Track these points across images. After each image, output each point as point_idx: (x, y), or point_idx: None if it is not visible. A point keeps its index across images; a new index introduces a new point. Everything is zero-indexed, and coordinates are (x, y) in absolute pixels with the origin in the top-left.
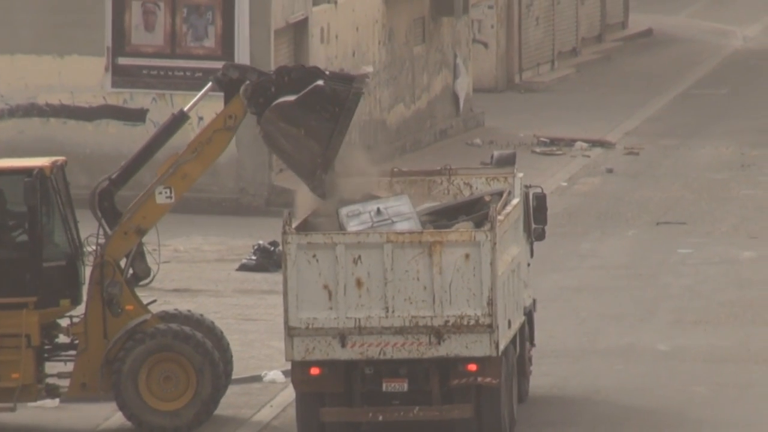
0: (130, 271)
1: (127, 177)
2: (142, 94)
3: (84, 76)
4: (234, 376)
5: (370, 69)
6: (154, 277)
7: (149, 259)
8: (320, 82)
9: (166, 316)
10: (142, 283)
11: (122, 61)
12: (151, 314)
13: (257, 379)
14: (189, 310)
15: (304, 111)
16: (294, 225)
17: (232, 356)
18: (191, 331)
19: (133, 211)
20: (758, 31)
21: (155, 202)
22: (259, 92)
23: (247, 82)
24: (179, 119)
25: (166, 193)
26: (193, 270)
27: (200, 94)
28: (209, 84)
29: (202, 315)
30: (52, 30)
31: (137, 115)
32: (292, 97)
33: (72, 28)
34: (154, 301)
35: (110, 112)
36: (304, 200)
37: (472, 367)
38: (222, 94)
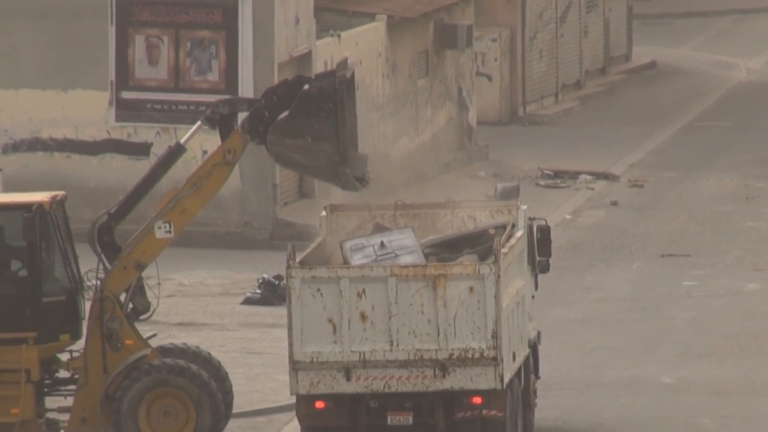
0: (130, 305)
1: (126, 211)
2: (146, 128)
3: (88, 111)
4: (239, 410)
5: (347, 55)
6: (153, 311)
7: (149, 293)
8: (306, 87)
9: (162, 351)
10: (141, 317)
11: (126, 95)
12: (150, 348)
13: (262, 412)
14: (185, 343)
15: (302, 119)
16: (298, 259)
17: (231, 386)
18: (186, 364)
19: (132, 246)
20: (761, 63)
21: (154, 237)
22: (256, 122)
23: (243, 117)
24: (176, 152)
25: (165, 227)
26: (198, 304)
27: (191, 131)
28: (198, 123)
29: (198, 347)
30: (56, 64)
31: (141, 149)
32: (286, 113)
33: (76, 63)
34: (155, 335)
35: (114, 146)
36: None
37: (477, 400)
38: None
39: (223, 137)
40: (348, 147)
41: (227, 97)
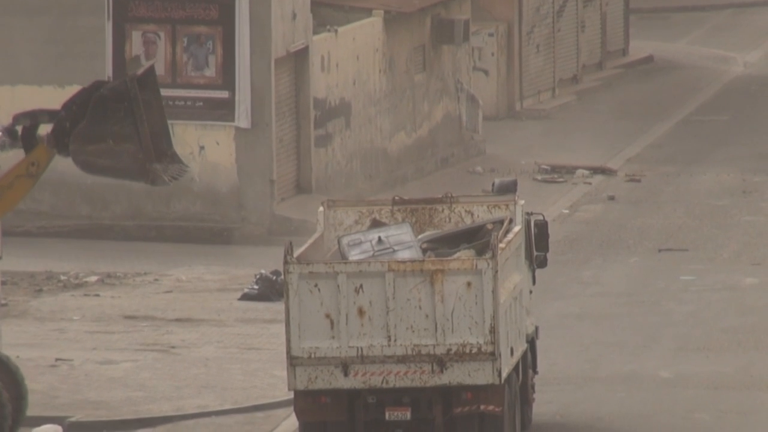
0: None
1: None
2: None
3: None
4: (236, 406)
5: (139, 53)
6: None
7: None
8: (100, 91)
9: None
10: None
11: None
12: None
13: (260, 408)
14: None
15: (100, 123)
16: (296, 254)
17: (27, 390)
18: None
19: None
20: (759, 57)
21: None
22: (59, 135)
23: (47, 133)
24: None
25: None
26: (196, 300)
27: None
28: None
29: None
30: (53, 60)
31: None
32: (84, 120)
33: (73, 59)
34: None
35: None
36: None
37: (475, 395)
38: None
39: (26, 149)
40: (150, 143)
41: (28, 110)
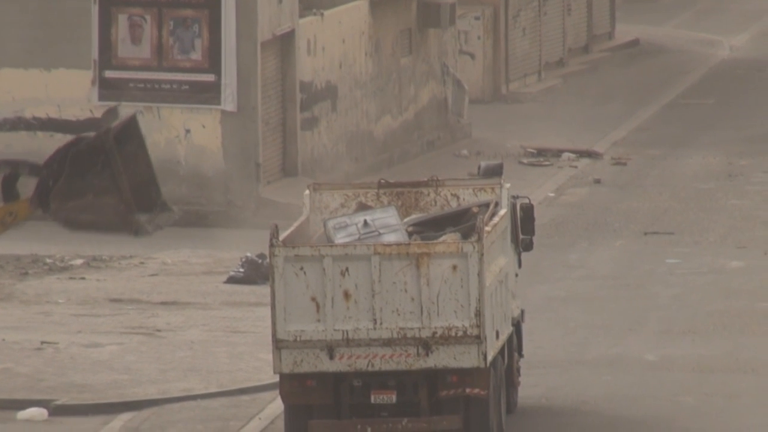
0: None
1: None
2: (129, 106)
3: (71, 90)
4: (222, 389)
5: (116, 104)
6: None
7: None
8: (77, 147)
9: None
10: None
11: (109, 74)
12: None
13: (246, 391)
14: None
15: (79, 179)
16: (281, 237)
17: None
18: None
19: None
20: (745, 40)
21: None
22: (44, 195)
23: (32, 194)
24: None
25: None
26: (181, 283)
27: None
28: None
29: None
30: (39, 44)
31: None
32: (63, 177)
33: (59, 42)
34: None
35: (97, 125)
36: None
37: (461, 378)
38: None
39: (5, 198)
40: (131, 193)
41: (11, 159)
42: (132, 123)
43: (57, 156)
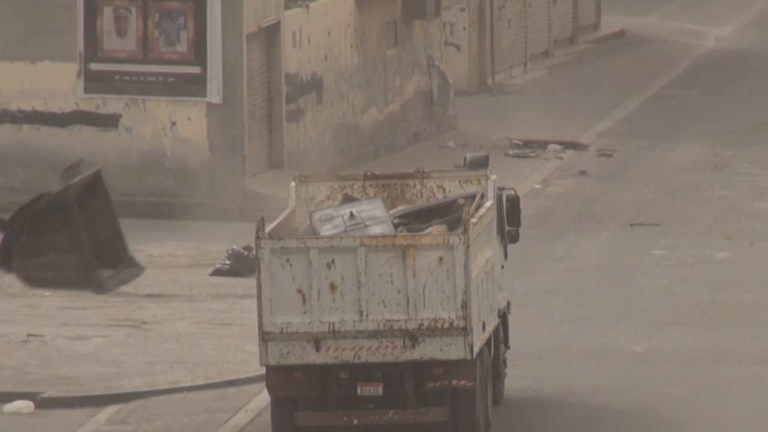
0: None
1: None
2: (115, 99)
3: (56, 82)
4: (209, 381)
5: (80, 160)
6: None
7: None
8: (38, 204)
9: None
10: None
11: (94, 66)
12: None
13: (232, 383)
14: None
15: (40, 237)
16: (267, 229)
17: None
18: None
19: None
20: (730, 31)
21: None
22: (8, 254)
23: None
24: None
25: None
26: (167, 275)
27: None
28: None
29: None
30: (24, 36)
31: (110, 121)
32: (24, 236)
33: (44, 35)
34: None
35: (83, 118)
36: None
37: (447, 370)
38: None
39: None
40: (92, 249)
41: None
42: (96, 178)
43: (19, 214)
